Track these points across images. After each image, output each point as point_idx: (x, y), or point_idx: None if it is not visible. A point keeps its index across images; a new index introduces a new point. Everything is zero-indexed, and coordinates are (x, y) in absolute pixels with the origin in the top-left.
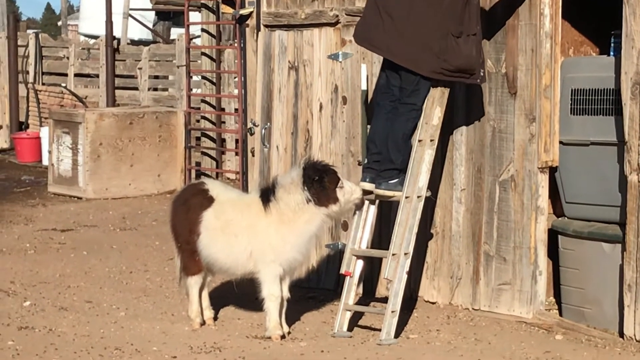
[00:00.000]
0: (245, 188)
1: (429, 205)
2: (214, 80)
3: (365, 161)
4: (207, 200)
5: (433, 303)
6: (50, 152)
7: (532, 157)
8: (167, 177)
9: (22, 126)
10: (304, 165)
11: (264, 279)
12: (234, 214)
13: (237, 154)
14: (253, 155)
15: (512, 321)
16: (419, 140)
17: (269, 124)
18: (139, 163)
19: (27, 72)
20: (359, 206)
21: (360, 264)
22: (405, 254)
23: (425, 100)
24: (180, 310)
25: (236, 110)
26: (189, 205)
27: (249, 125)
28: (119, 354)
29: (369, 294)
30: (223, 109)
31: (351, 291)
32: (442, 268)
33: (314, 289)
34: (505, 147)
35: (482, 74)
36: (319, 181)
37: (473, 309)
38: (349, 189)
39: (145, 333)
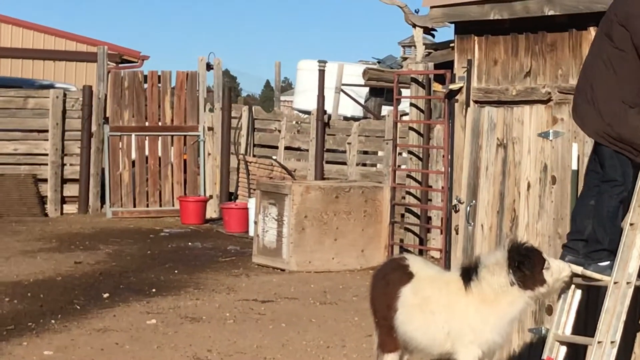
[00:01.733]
0: (447, 266)
1: (639, 292)
2: (421, 155)
3: (566, 240)
4: (407, 276)
5: None
6: (256, 222)
7: None
8: (371, 252)
9: (231, 197)
10: (508, 248)
11: None
12: (432, 291)
13: (442, 231)
14: (457, 233)
15: None
16: (631, 224)
17: (474, 201)
18: (342, 237)
19: (239, 144)
20: (568, 284)
21: (563, 350)
22: (612, 342)
23: (639, 182)
24: None
25: (442, 187)
26: (388, 280)
27: (454, 202)
28: None
29: None
30: (430, 186)
31: None
32: None
33: None
34: None
35: None
36: (524, 265)
37: None
38: (557, 268)
39: None
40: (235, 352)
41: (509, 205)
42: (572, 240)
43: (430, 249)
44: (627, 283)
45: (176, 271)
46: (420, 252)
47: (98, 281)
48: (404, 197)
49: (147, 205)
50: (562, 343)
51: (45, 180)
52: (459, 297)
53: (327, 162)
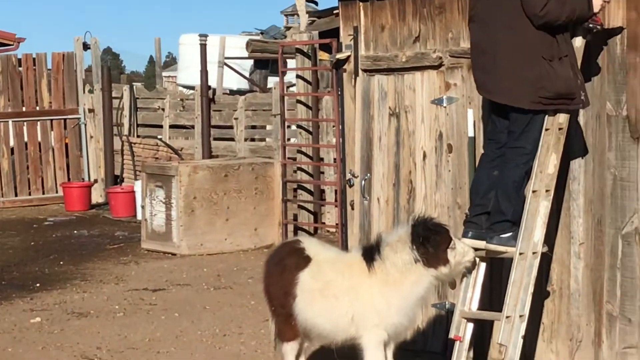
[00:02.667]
0: (344, 242)
1: (545, 261)
2: (311, 129)
3: (467, 214)
4: (303, 260)
5: None
6: (143, 207)
7: None
8: (264, 231)
9: (117, 180)
10: (413, 223)
11: (366, 345)
12: (333, 274)
13: (336, 206)
14: (352, 209)
15: None
16: (533, 191)
17: (368, 174)
18: (234, 217)
19: (122, 125)
20: (469, 269)
21: (470, 327)
22: (521, 316)
23: (540, 147)
24: None
25: (335, 160)
26: (284, 265)
27: (348, 176)
28: None
29: (479, 357)
30: (322, 159)
31: (462, 357)
32: (560, 330)
33: (419, 353)
34: (628, 197)
35: (582, 97)
36: (429, 240)
37: None
38: (461, 251)
39: None
40: (127, 347)
41: (405, 177)
42: (475, 216)
43: (325, 225)
44: (533, 253)
45: (62, 262)
46: (315, 230)
47: None
48: (295, 172)
49: (30, 194)
50: (469, 320)
51: None
52: (362, 279)
53: (215, 139)
